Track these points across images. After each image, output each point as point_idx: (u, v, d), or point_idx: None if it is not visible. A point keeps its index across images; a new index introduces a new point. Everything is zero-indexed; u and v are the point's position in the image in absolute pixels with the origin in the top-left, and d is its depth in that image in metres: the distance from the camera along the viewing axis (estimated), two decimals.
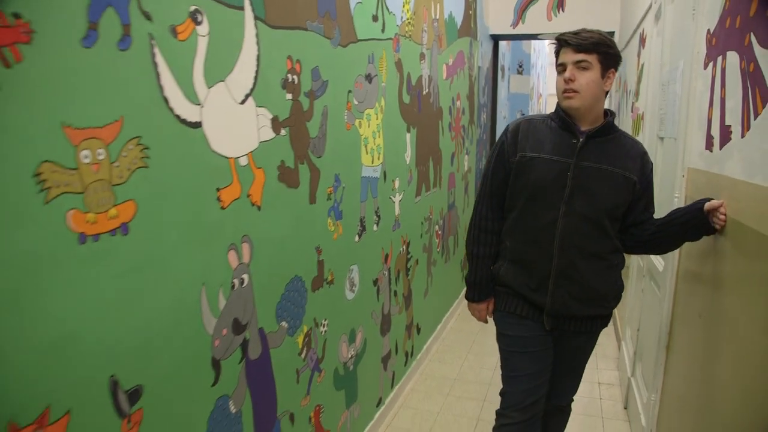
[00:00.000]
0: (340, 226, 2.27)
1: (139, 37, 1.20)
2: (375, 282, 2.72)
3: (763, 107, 1.23)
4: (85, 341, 1.12)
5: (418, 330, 3.56)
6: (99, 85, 1.11)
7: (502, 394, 2.01)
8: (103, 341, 1.16)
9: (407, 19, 2.94)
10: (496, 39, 5.99)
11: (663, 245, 1.90)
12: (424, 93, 3.33)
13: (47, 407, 1.04)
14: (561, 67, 1.77)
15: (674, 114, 2.21)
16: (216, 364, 1.54)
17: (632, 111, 4.01)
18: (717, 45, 1.66)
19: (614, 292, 1.91)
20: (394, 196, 2.92)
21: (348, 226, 2.35)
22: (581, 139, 1.78)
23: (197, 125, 1.39)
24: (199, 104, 1.39)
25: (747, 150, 1.35)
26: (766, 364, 1.21)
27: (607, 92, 1.79)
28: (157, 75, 1.26)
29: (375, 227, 2.66)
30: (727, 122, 1.50)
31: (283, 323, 1.87)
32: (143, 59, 1.22)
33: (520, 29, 5.65)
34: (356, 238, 2.45)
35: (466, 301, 2.11)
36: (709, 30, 1.78)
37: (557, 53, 1.80)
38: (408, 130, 3.07)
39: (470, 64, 4.67)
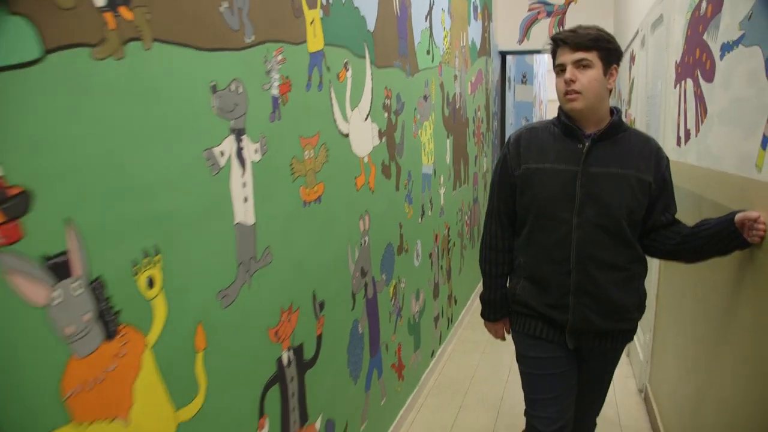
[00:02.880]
0: (411, 209, 3.05)
1: (325, 82, 1.98)
2: (429, 255, 3.49)
3: (705, 118, 2.00)
4: (307, 267, 1.88)
5: (455, 301, 4.32)
6: (310, 113, 1.88)
7: (526, 415, 1.94)
8: (312, 268, 1.93)
9: (446, 49, 3.72)
10: (503, 54, 6.78)
11: (689, 256, 1.74)
12: (457, 107, 4.11)
13: (290, 304, 1.80)
14: (560, 68, 1.65)
15: (656, 120, 2.99)
16: (353, 296, 2.30)
17: (625, 116, 4.80)
18: (680, 73, 2.44)
19: (636, 304, 1.78)
20: (441, 190, 3.69)
21: (415, 210, 3.12)
22: (587, 144, 1.66)
23: (347, 136, 2.17)
24: (347, 122, 2.17)
25: (699, 145, 2.12)
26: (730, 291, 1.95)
27: (610, 90, 1.67)
28: (331, 105, 2.03)
29: (429, 213, 3.44)
30: (688, 127, 2.27)
31: (383, 275, 2.64)
32: (326, 96, 1.99)
33: (525, 45, 6.43)
34: (419, 220, 3.22)
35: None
36: (676, 61, 2.56)
37: (554, 54, 1.68)
38: (447, 137, 3.85)
39: (486, 79, 5.46)
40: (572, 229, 1.68)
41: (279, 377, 1.73)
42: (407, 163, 2.93)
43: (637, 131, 1.76)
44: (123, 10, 1.09)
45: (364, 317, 2.43)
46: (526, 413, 1.93)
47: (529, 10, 6.37)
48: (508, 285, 1.92)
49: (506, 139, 1.85)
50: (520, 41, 6.44)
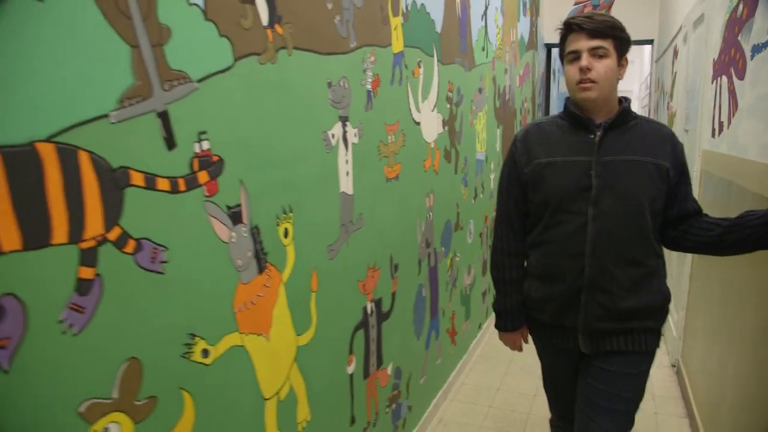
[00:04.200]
0: (466, 191, 3.38)
1: (404, 78, 2.32)
2: (480, 234, 3.82)
3: (737, 111, 2.28)
4: (387, 233, 2.24)
5: None
6: (393, 104, 2.23)
7: (549, 404, 2.02)
8: (390, 234, 2.28)
9: (498, 45, 4.03)
10: (549, 47, 7.01)
11: (732, 248, 1.57)
12: (507, 99, 4.41)
13: (374, 263, 2.16)
14: (573, 55, 1.57)
15: (694, 113, 3.25)
16: (419, 263, 2.66)
17: (668, 108, 5.02)
18: (717, 69, 2.70)
19: (659, 303, 1.66)
20: (491, 175, 4.01)
21: (470, 192, 3.46)
22: (599, 133, 1.60)
23: (418, 124, 2.51)
24: (419, 112, 2.51)
25: (730, 136, 2.39)
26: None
27: (618, 80, 1.61)
28: (408, 97, 2.38)
29: (481, 195, 3.76)
30: (721, 119, 2.55)
31: (443, 248, 2.99)
32: (404, 89, 2.34)
33: None
34: (473, 201, 3.55)
35: None
36: (714, 58, 2.82)
37: (564, 39, 1.61)
38: (498, 127, 4.16)
39: (533, 71, 5.73)
40: (588, 221, 1.58)
41: (364, 323, 2.10)
42: (464, 149, 3.26)
43: (648, 118, 1.69)
44: (277, 27, 1.46)
45: (427, 283, 2.78)
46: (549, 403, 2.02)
47: (575, 3, 6.58)
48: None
49: (513, 139, 1.76)
50: None
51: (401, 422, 2.54)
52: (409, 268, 2.52)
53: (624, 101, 1.64)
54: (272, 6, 1.44)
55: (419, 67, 2.48)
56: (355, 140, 1.92)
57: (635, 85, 14.07)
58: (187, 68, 1.18)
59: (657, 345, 1.72)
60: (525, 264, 1.81)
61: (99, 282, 1.02)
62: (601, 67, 1.55)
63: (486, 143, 3.79)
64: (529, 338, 1.91)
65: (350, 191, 1.90)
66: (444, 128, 2.87)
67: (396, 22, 2.19)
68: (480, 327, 4.00)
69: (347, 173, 1.87)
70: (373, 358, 2.20)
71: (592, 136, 1.61)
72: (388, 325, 2.32)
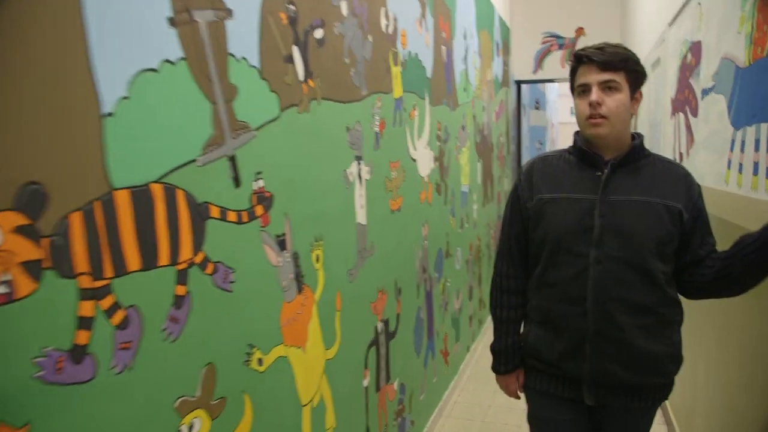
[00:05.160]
0: (454, 221, 3.65)
1: (403, 120, 2.59)
2: (467, 262, 4.08)
3: (693, 143, 2.60)
4: (392, 260, 2.48)
5: (483, 304, 4.90)
6: (395, 143, 2.49)
7: None
8: (395, 261, 2.52)
9: (477, 85, 4.35)
10: (519, 83, 7.42)
11: (737, 282, 1.46)
12: (485, 134, 4.73)
13: (383, 287, 2.39)
14: (582, 89, 1.49)
15: (657, 144, 3.59)
16: (417, 287, 2.89)
17: None
18: (675, 107, 3.04)
19: (670, 355, 1.54)
20: (474, 206, 4.30)
21: (457, 222, 3.72)
22: (606, 170, 1.50)
23: (415, 161, 2.78)
24: (416, 150, 2.78)
25: (689, 166, 2.71)
26: None
27: (632, 116, 1.53)
28: (406, 137, 2.65)
29: (466, 225, 4.03)
30: (681, 150, 2.87)
31: (436, 274, 3.23)
32: (403, 130, 2.61)
33: (539, 75, 7.05)
34: (460, 230, 3.82)
35: None
36: (671, 97, 3.16)
37: (574, 72, 1.53)
38: (478, 160, 4.46)
39: (506, 107, 6.09)
40: (590, 264, 1.48)
41: (375, 341, 2.32)
42: (451, 182, 3.54)
43: (662, 157, 1.59)
44: (309, 81, 1.71)
45: (425, 306, 3.01)
46: None
47: (542, 42, 7.01)
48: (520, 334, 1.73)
49: (519, 173, 1.69)
50: (535, 71, 7.07)
51: None
52: (409, 292, 2.75)
53: (636, 137, 1.55)
54: (306, 63, 1.69)
55: (414, 109, 2.75)
56: (367, 177, 2.17)
57: None
58: (248, 119, 1.42)
59: (668, 396, 1.62)
60: (525, 304, 1.69)
61: (189, 298, 1.23)
62: (612, 102, 1.46)
63: (469, 176, 4.08)
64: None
65: (364, 222, 2.14)
66: (435, 163, 3.14)
67: (396, 70, 2.47)
68: (468, 349, 4.22)
69: (361, 206, 2.11)
70: (383, 373, 2.41)
71: (599, 174, 1.52)
72: (394, 344, 2.54)
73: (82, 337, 0.98)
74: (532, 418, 1.76)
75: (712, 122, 2.27)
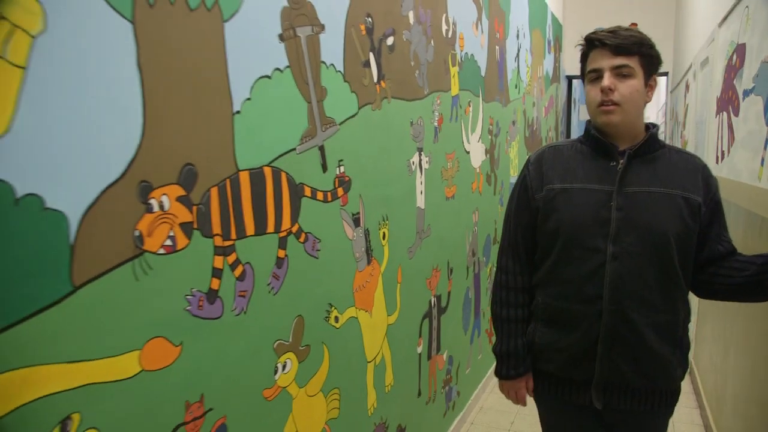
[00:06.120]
0: (502, 210, 3.87)
1: (459, 116, 2.84)
2: None
3: (734, 142, 2.77)
4: (446, 242, 2.74)
5: None
6: (451, 137, 2.75)
7: None
8: (448, 243, 2.78)
9: (528, 81, 4.55)
10: (570, 78, 7.53)
11: (765, 293, 1.41)
12: (534, 128, 4.93)
13: (437, 265, 2.65)
14: (594, 74, 1.41)
15: (702, 142, 3.73)
16: (467, 269, 3.15)
17: (681, 137, 5.50)
18: (719, 106, 3.19)
19: (678, 358, 1.49)
20: None
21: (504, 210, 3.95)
22: (622, 161, 1.43)
23: (468, 153, 3.03)
24: (469, 143, 3.03)
25: (729, 163, 2.87)
26: None
27: (646, 103, 1.45)
28: (461, 131, 2.90)
29: None
30: (723, 149, 3.03)
31: (484, 258, 3.48)
32: (459, 125, 2.86)
33: None
34: None
35: None
36: (717, 96, 3.31)
37: (585, 57, 1.46)
38: (527, 154, 4.66)
39: (556, 102, 6.24)
40: (606, 260, 1.40)
41: (428, 314, 2.59)
42: (501, 173, 3.77)
43: (677, 148, 1.52)
44: (382, 82, 1.98)
45: (473, 286, 3.26)
46: None
47: None
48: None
49: (526, 161, 1.59)
50: None
51: (452, 404, 3.00)
52: (460, 273, 3.01)
53: (651, 127, 1.48)
54: (379, 67, 1.96)
55: (469, 106, 3.00)
56: (427, 166, 2.43)
57: (652, 111, 14.53)
58: (334, 115, 1.70)
59: (677, 400, 1.55)
60: (531, 301, 1.60)
61: (287, 260, 1.53)
62: (625, 88, 1.38)
63: (518, 169, 4.30)
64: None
65: (423, 206, 2.41)
66: (486, 156, 3.38)
67: (454, 71, 2.72)
68: None
69: (421, 192, 2.38)
70: (434, 343, 2.68)
71: (615, 164, 1.45)
72: (445, 319, 2.81)
73: (215, 283, 1.28)
74: (542, 421, 1.70)
75: (750, 122, 2.44)
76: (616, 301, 1.41)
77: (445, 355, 2.85)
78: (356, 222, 1.87)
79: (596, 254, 1.42)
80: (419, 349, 2.49)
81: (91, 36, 0.97)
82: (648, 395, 1.50)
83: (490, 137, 3.44)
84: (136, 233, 1.07)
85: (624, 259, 1.40)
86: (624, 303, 1.41)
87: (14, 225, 0.86)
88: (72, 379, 0.96)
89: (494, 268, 3.69)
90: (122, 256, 1.04)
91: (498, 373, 1.64)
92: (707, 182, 1.47)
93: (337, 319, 1.79)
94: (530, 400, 1.69)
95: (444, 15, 2.56)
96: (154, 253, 1.11)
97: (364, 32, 1.85)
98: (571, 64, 7.15)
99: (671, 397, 1.54)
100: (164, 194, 1.13)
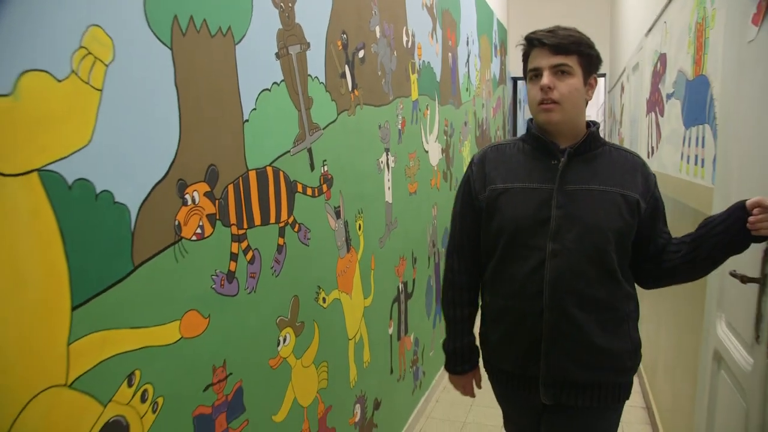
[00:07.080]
0: None
1: (419, 118, 3.12)
2: None
3: (660, 139, 3.14)
4: (410, 234, 3.01)
5: None
6: (412, 138, 3.03)
7: None
8: (412, 235, 3.05)
9: (477, 85, 4.89)
10: (515, 80, 7.95)
11: (701, 265, 1.45)
12: (484, 128, 5.27)
13: (403, 255, 2.93)
14: (534, 73, 1.44)
15: (636, 139, 4.14)
16: (428, 258, 3.43)
17: (618, 134, 5.96)
18: (649, 107, 3.58)
19: (629, 352, 1.50)
20: None
21: None
22: (563, 159, 1.45)
23: (427, 152, 3.32)
24: (428, 143, 3.31)
25: (657, 158, 3.25)
26: None
27: (587, 102, 1.47)
28: (420, 132, 3.18)
29: None
30: (652, 145, 3.41)
31: (443, 248, 3.77)
32: (419, 127, 3.14)
33: None
34: None
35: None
36: (646, 97, 3.70)
37: (526, 56, 1.48)
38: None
39: (503, 103, 6.63)
40: (546, 258, 1.42)
41: (397, 298, 2.86)
42: (456, 171, 4.08)
43: (617, 146, 1.54)
44: (355, 91, 2.24)
45: (434, 275, 3.56)
46: None
47: None
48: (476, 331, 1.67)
49: (470, 161, 1.61)
50: None
51: (419, 383, 3.28)
52: (422, 262, 3.29)
53: (592, 125, 1.50)
54: (353, 77, 2.22)
55: (427, 109, 3.29)
56: (393, 165, 2.70)
57: (593, 110, 15.22)
58: (318, 121, 1.95)
59: (628, 396, 1.55)
60: (477, 300, 1.64)
61: (285, 247, 1.77)
62: (564, 87, 1.40)
63: None
64: (487, 382, 1.74)
65: (390, 201, 2.68)
66: (443, 155, 3.68)
67: (413, 78, 3.00)
68: None
69: (388, 188, 2.65)
70: (402, 325, 2.96)
71: (556, 162, 1.46)
72: (411, 303, 3.08)
73: (232, 266, 1.51)
74: (505, 419, 1.78)
75: (672, 122, 2.81)
76: (556, 297, 1.43)
77: (412, 337, 3.12)
78: (338, 214, 2.12)
79: (537, 252, 1.44)
80: (390, 330, 2.75)
81: (144, 62, 1.20)
82: (595, 390, 1.50)
83: (445, 137, 3.74)
84: (176, 222, 1.30)
85: (563, 256, 1.42)
86: (565, 299, 1.42)
87: (94, 216, 1.09)
88: (134, 341, 1.19)
89: None
90: (166, 242, 1.27)
91: (447, 368, 1.73)
92: (646, 179, 1.49)
93: (324, 300, 2.04)
94: (481, 389, 1.76)
95: (404, 27, 2.84)
96: (188, 239, 1.34)
97: (340, 47, 2.10)
98: (516, 66, 7.56)
99: (622, 390, 1.53)
100: (195, 190, 1.36)
